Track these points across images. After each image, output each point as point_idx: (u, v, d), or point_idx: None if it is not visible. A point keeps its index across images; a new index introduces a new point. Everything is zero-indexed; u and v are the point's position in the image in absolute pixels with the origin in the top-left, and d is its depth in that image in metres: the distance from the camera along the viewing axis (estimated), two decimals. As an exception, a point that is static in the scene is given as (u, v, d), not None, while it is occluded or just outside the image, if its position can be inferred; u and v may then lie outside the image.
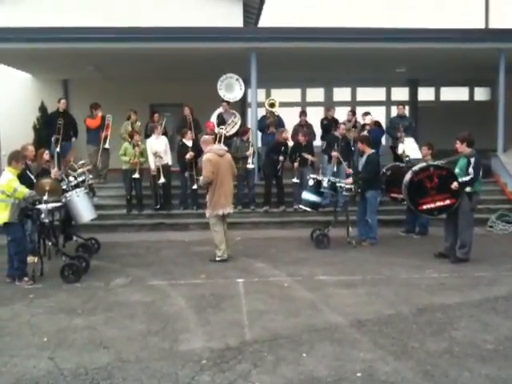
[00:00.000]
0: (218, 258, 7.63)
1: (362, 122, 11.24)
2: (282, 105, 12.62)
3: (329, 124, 11.93)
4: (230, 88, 11.61)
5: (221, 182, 7.50)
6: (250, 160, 10.50)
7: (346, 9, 18.67)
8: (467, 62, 13.12)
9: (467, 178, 7.26)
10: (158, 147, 10.44)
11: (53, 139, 11.49)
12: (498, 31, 12.55)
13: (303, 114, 11.72)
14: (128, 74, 14.20)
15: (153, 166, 10.35)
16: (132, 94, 14.16)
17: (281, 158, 10.41)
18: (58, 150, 11.18)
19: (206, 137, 8.36)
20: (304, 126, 11.42)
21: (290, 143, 10.88)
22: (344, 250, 8.29)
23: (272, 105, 11.79)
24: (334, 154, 10.28)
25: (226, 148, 8.15)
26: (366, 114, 11.10)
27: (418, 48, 11.56)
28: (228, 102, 11.61)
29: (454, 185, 7.30)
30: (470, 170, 7.25)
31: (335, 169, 10.35)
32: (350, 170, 9.43)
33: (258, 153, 11.37)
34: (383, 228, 9.33)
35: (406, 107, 13.14)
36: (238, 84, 11.63)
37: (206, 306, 5.68)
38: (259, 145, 11.84)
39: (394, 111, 13.77)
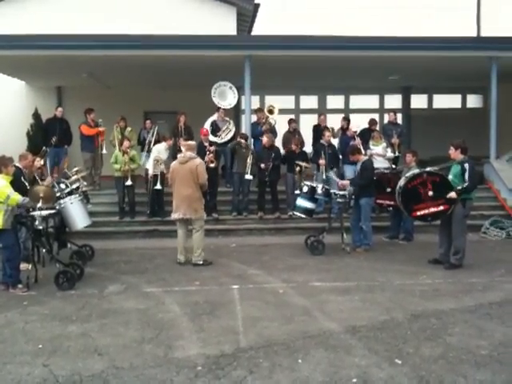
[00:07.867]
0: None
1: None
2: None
3: (316, 132, 11.99)
4: (224, 95, 11.66)
5: (177, 188, 7.90)
6: (248, 170, 10.38)
7: (341, 17, 18.85)
8: (459, 70, 13.24)
9: (465, 185, 7.28)
10: (164, 155, 10.57)
11: (53, 140, 11.52)
12: (490, 40, 12.67)
13: (293, 121, 11.81)
14: (122, 82, 14.23)
15: (151, 172, 10.38)
16: (126, 101, 14.18)
17: (262, 165, 10.37)
18: (47, 149, 11.02)
19: (189, 142, 8.48)
20: (295, 133, 11.45)
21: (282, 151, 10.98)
22: (338, 257, 8.31)
23: (271, 111, 11.82)
24: (321, 161, 10.37)
25: (194, 155, 7.99)
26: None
27: (410, 56, 11.64)
28: (223, 109, 11.63)
29: (450, 194, 7.34)
30: (467, 176, 7.27)
31: (324, 176, 10.40)
32: (343, 182, 9.10)
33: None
34: (377, 234, 9.34)
35: (399, 114, 13.23)
36: (232, 91, 11.69)
37: (200, 313, 5.67)
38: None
39: (387, 118, 13.87)
